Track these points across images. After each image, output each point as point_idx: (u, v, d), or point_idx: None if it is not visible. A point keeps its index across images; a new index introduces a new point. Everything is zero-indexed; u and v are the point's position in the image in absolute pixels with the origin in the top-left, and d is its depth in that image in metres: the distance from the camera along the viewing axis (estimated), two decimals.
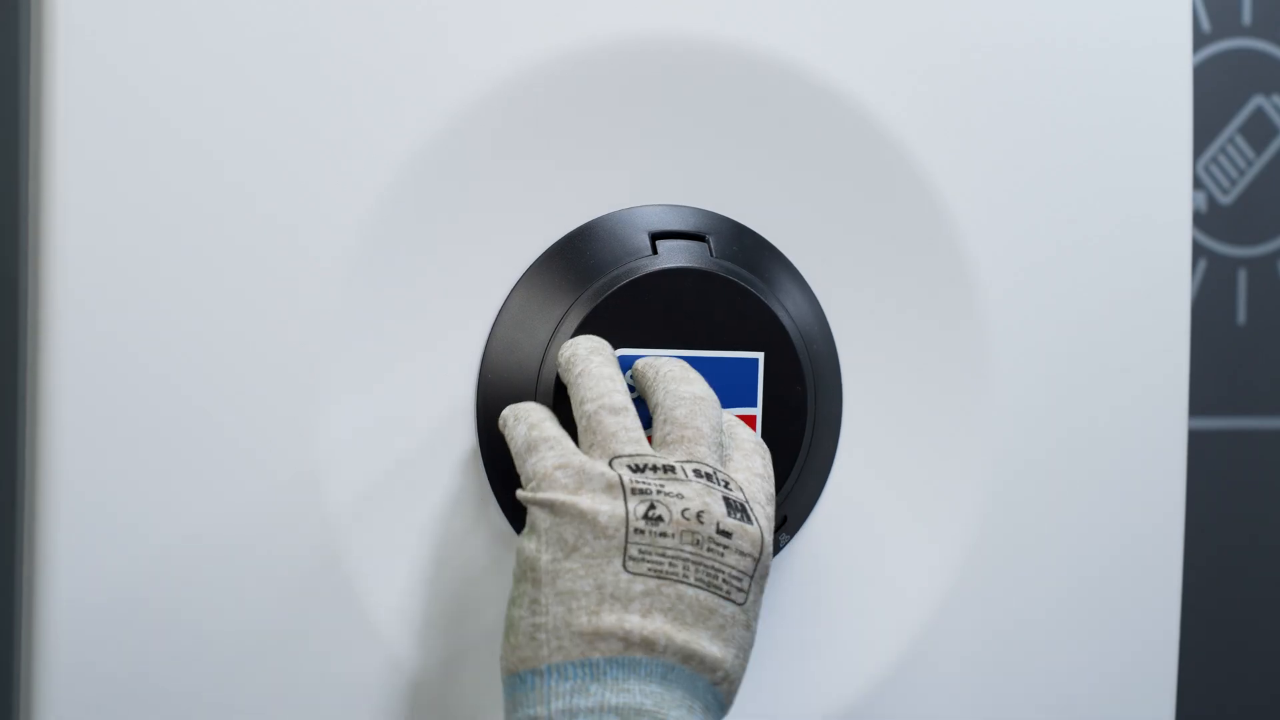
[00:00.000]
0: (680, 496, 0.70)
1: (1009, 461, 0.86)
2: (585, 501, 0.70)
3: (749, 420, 0.80)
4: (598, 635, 0.68)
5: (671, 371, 0.75)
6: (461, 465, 0.78)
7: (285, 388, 0.75)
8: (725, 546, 0.70)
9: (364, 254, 0.76)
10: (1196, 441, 1.40)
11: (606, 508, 0.69)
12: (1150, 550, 0.89)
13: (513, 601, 0.70)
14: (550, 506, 0.70)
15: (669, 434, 0.73)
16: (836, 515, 0.84)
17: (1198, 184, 1.46)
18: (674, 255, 0.80)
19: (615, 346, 0.78)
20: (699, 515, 0.70)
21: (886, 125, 0.83)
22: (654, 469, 0.71)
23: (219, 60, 0.74)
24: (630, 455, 0.71)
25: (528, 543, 0.70)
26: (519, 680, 0.69)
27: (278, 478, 0.75)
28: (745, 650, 0.71)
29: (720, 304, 0.79)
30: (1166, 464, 0.89)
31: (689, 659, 0.69)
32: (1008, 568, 0.86)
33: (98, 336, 0.72)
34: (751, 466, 0.74)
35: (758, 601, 0.71)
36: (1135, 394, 0.88)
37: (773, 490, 0.75)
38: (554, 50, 0.78)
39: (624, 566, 0.69)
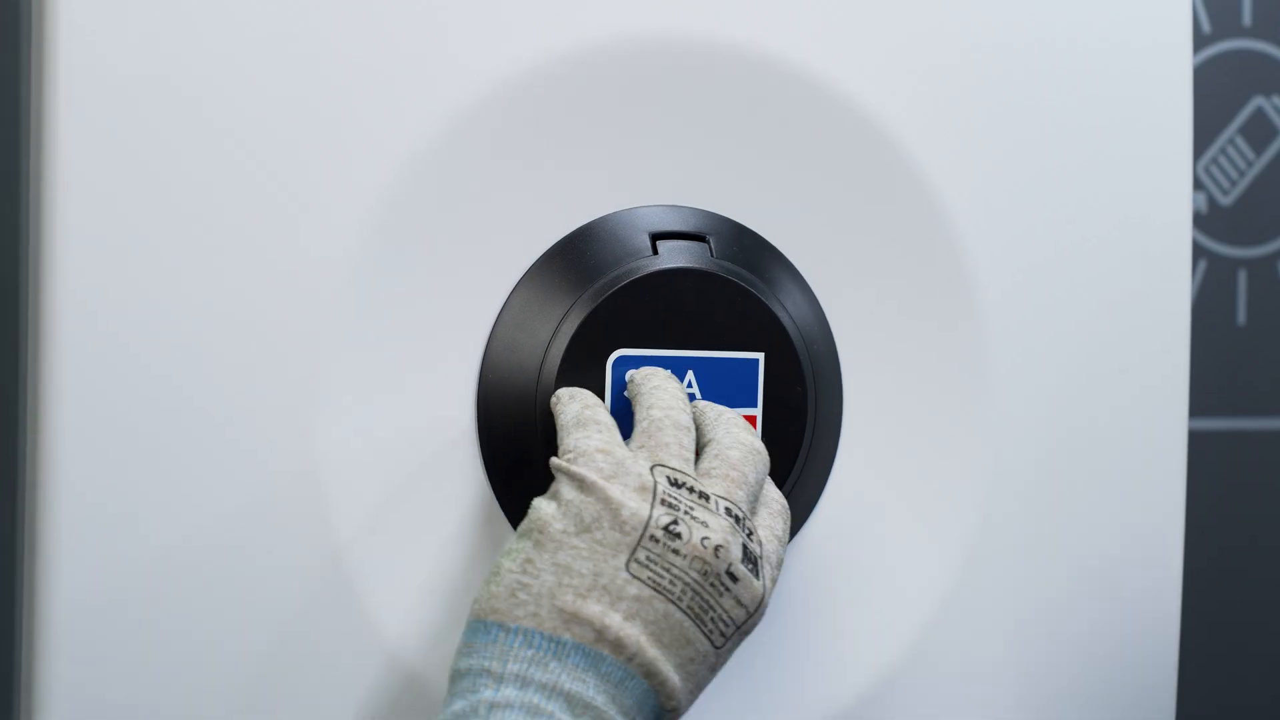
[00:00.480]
0: (705, 525, 0.71)
1: (1009, 461, 0.86)
2: (615, 490, 0.70)
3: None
4: (575, 618, 0.69)
5: (735, 419, 0.77)
6: (462, 465, 0.78)
7: (286, 388, 0.75)
8: (727, 589, 0.71)
9: (365, 255, 0.76)
10: (1196, 442, 1.40)
11: (633, 504, 0.70)
12: (1150, 550, 0.89)
13: (507, 553, 0.71)
14: (580, 481, 0.71)
15: (714, 469, 0.74)
16: (836, 515, 0.84)
17: (1198, 185, 1.46)
18: (674, 256, 0.80)
19: (616, 346, 0.78)
20: (716, 549, 0.70)
21: (886, 125, 0.83)
22: (690, 490, 0.71)
23: (218, 61, 0.74)
24: (673, 469, 0.72)
25: (546, 506, 0.71)
26: (483, 628, 0.69)
27: (278, 478, 0.75)
28: (700, 690, 0.72)
29: (721, 304, 0.79)
30: (1166, 464, 0.89)
31: (651, 675, 0.69)
32: (1008, 568, 0.86)
33: (98, 337, 0.72)
34: (774, 528, 0.75)
35: (730, 653, 0.72)
36: (1135, 394, 0.88)
37: (784, 557, 0.76)
38: (554, 51, 0.78)
39: (626, 565, 0.69)
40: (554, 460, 0.72)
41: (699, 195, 0.82)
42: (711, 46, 0.81)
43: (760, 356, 0.80)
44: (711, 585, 0.70)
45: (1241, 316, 1.47)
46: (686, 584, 0.70)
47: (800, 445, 0.81)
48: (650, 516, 0.70)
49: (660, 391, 0.75)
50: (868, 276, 0.84)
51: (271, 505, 0.75)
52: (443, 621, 0.77)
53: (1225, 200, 1.47)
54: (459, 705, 0.68)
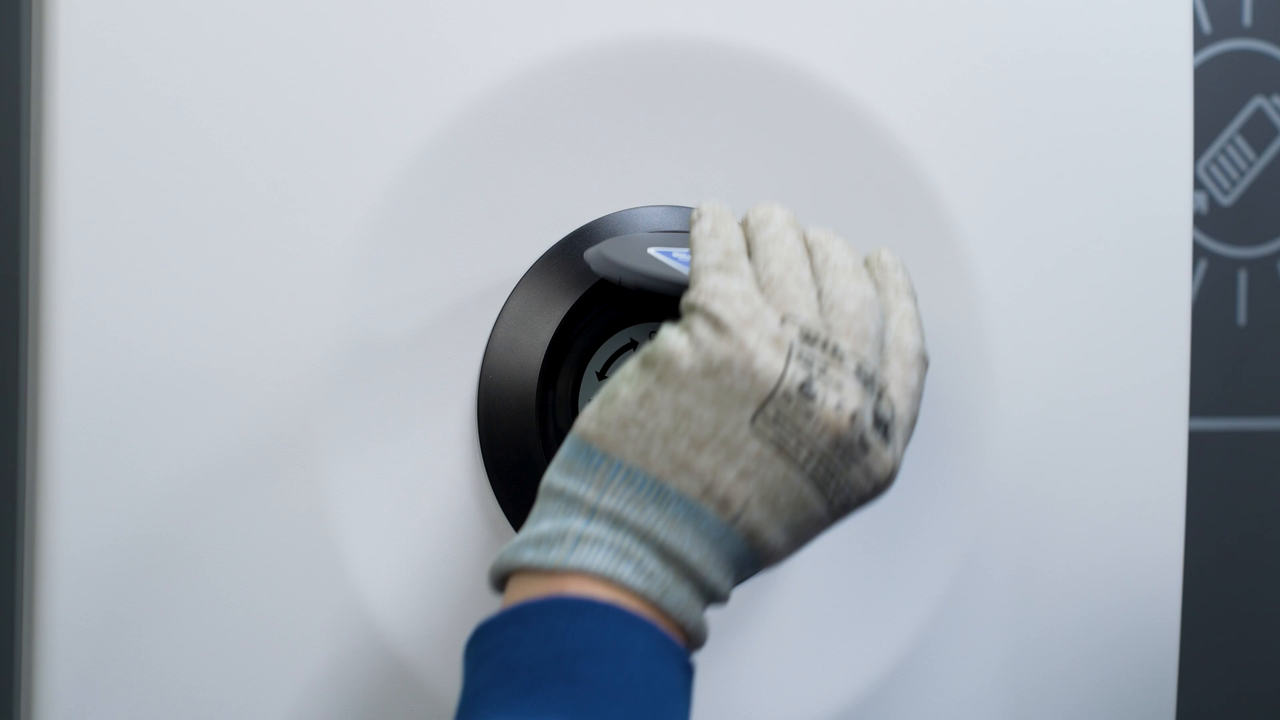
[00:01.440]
0: (840, 387, 0.65)
1: (1009, 461, 0.86)
2: (751, 337, 0.65)
3: None
4: (686, 468, 0.65)
5: (842, 263, 0.69)
6: (462, 465, 0.78)
7: (286, 388, 0.75)
8: (856, 460, 0.66)
9: (365, 255, 0.76)
10: (1196, 442, 1.40)
11: (768, 356, 0.65)
12: (1150, 550, 0.89)
13: (626, 379, 0.66)
14: (715, 321, 0.65)
15: (833, 323, 0.67)
16: None
17: (1198, 185, 1.46)
18: None
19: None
20: (852, 417, 0.65)
21: (888, 127, 0.83)
22: (824, 346, 0.66)
23: (218, 62, 0.74)
24: (806, 321, 0.66)
25: (678, 338, 0.66)
26: (587, 453, 0.66)
27: (276, 478, 0.75)
28: (799, 548, 0.67)
29: None
30: (1166, 464, 0.89)
31: (753, 536, 0.65)
32: (1008, 567, 0.86)
33: (98, 337, 0.72)
34: (908, 381, 0.69)
35: (845, 518, 0.68)
36: (1135, 395, 0.88)
37: (919, 411, 0.70)
38: (555, 51, 0.78)
39: (752, 419, 0.65)
40: (688, 297, 0.66)
41: (699, 195, 0.82)
42: (711, 46, 0.81)
43: None
44: (842, 455, 0.65)
45: (1241, 316, 1.47)
46: (813, 450, 0.65)
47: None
48: (785, 372, 0.65)
49: (777, 244, 0.69)
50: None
51: (271, 505, 0.75)
52: (442, 621, 0.77)
53: (1225, 200, 1.47)
54: (546, 526, 0.65)
